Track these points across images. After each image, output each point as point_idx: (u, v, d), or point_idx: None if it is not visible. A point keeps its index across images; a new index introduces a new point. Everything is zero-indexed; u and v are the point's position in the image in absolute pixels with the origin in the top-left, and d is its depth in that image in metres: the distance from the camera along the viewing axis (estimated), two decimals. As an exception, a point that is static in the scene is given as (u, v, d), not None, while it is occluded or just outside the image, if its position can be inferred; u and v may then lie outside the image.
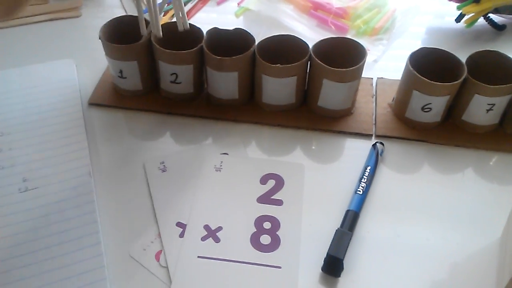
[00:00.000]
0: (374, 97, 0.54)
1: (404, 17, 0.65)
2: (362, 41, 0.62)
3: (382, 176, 0.47)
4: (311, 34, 0.64)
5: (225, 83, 0.50)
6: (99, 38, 0.50)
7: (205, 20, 0.67)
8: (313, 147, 0.50)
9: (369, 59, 0.60)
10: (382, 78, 0.56)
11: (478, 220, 0.43)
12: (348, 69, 0.46)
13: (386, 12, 0.65)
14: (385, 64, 0.60)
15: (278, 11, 0.67)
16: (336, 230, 0.40)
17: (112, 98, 0.54)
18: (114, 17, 0.52)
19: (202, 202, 0.44)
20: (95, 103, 0.54)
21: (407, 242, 0.42)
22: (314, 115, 0.52)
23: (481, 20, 0.63)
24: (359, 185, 0.44)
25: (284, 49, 0.51)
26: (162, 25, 0.51)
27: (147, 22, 0.50)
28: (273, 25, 0.66)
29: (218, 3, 0.70)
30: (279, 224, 0.43)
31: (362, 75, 0.54)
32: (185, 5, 0.68)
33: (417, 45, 0.63)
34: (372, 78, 0.56)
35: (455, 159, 0.48)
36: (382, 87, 0.55)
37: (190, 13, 0.68)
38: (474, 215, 0.44)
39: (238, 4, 0.69)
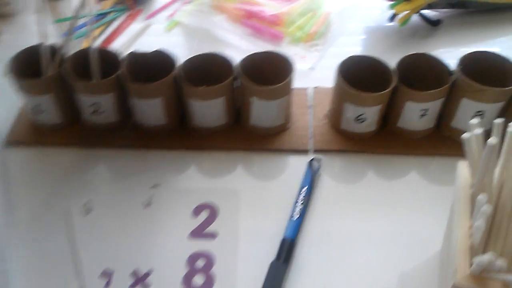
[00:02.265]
0: (311, 108, 0.52)
1: (340, 19, 0.64)
2: (297, 48, 0.60)
3: (321, 194, 0.45)
4: (245, 45, 0.61)
5: (150, 109, 0.47)
6: (7, 74, 0.46)
7: (133, 38, 0.63)
8: (249, 169, 0.47)
9: (305, 66, 0.58)
10: (318, 87, 0.54)
11: (422, 230, 0.42)
12: (275, 86, 0.44)
13: (320, 16, 0.63)
14: (322, 71, 0.58)
15: (210, 22, 0.64)
16: (271, 263, 0.38)
17: (32, 135, 0.50)
18: (25, 47, 0.48)
19: (130, 245, 0.41)
20: (12, 141, 0.49)
21: (350, 263, 0.40)
22: (248, 134, 0.49)
23: (417, 17, 0.62)
24: (294, 209, 0.42)
25: (210, 67, 0.48)
26: (76, 52, 0.48)
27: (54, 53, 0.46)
28: (206, 38, 0.63)
29: (148, 18, 0.66)
30: (214, 260, 0.40)
31: (298, 86, 0.52)
32: (111, 23, 0.65)
33: (353, 48, 0.61)
34: (307, 88, 0.54)
35: (394, 167, 0.47)
36: (319, 97, 0.53)
37: (117, 31, 0.64)
38: (418, 223, 0.42)
39: (169, 17, 0.66)
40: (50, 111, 0.48)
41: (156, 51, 0.48)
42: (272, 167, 0.47)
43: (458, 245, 0.28)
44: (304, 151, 0.48)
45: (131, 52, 0.48)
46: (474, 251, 0.29)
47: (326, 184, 0.45)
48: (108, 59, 0.48)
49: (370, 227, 0.42)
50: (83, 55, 0.47)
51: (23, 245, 0.41)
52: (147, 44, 0.63)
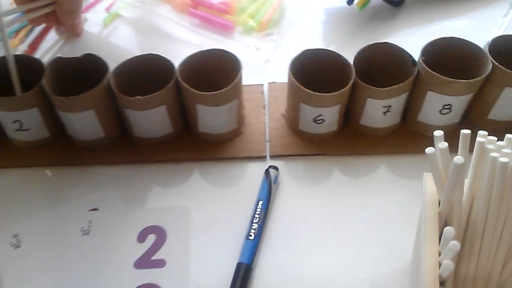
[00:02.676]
0: (266, 108, 0.47)
1: (294, 5, 0.58)
2: (251, 38, 0.55)
3: (281, 205, 0.41)
4: (193, 38, 0.55)
5: (82, 123, 0.41)
6: None
7: (66, 36, 0.56)
8: (200, 181, 0.42)
9: (259, 60, 0.53)
10: (274, 82, 0.49)
11: (390, 237, 0.38)
12: (220, 91, 0.39)
13: (272, 2, 0.57)
14: (278, 64, 0.52)
15: (153, 14, 0.58)
16: (223, 295, 0.34)
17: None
18: None
19: (68, 279, 0.36)
20: None
21: (315, 281, 0.36)
22: (198, 143, 0.44)
23: (377, -3, 0.58)
24: (250, 228, 0.38)
25: (149, 71, 0.42)
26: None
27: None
28: (149, 31, 0.57)
29: (83, 11, 0.59)
30: (162, 292, 0.36)
31: (252, 82, 0.47)
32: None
33: (311, 36, 0.56)
34: (262, 85, 0.49)
35: (360, 169, 0.43)
36: (274, 94, 0.48)
37: (47, 30, 0.57)
38: (386, 231, 0.39)
39: (106, 10, 0.59)
40: (-33, 130, 0.42)
41: (85, 55, 0.42)
42: (226, 177, 0.43)
43: (426, 277, 0.25)
44: (260, 158, 0.44)
45: (56, 58, 0.41)
46: (443, 279, 0.26)
47: (287, 193, 0.41)
48: (31, 67, 0.41)
49: (337, 235, 0.39)
50: (1, 64, 0.41)
51: None
52: (83, 43, 0.56)
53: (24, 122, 0.41)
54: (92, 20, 0.58)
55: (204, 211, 0.40)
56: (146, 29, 0.57)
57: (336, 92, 0.39)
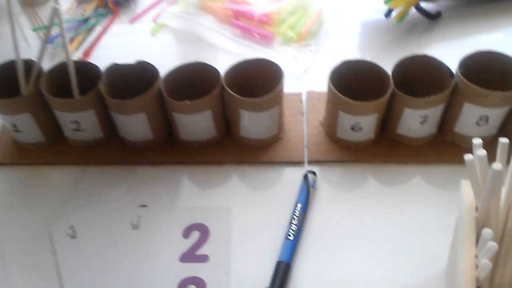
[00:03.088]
0: (304, 116, 0.49)
1: (333, 17, 0.60)
2: (290, 48, 0.57)
3: (318, 209, 0.42)
4: (234, 47, 0.58)
5: (134, 125, 0.45)
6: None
7: (117, 43, 0.61)
8: (241, 184, 0.45)
9: (297, 69, 0.55)
10: (312, 91, 0.51)
11: (425, 243, 0.40)
12: (263, 98, 0.41)
13: (312, 14, 0.59)
14: (316, 73, 0.55)
15: (197, 25, 0.61)
16: (264, 290, 0.36)
17: (13, 155, 0.48)
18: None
19: (119, 270, 0.39)
20: (-6, 162, 0.47)
21: (351, 283, 0.38)
22: (239, 147, 0.47)
23: (414, 10, 0.59)
24: (289, 229, 0.39)
25: (196, 77, 0.45)
26: (54, 67, 0.45)
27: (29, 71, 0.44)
28: (193, 41, 0.60)
29: (131, 21, 0.63)
30: (205, 286, 0.38)
31: (291, 90, 0.49)
32: (93, 28, 0.62)
33: (349, 47, 0.58)
34: (301, 93, 0.51)
35: (395, 177, 0.44)
36: (313, 103, 0.50)
37: (100, 36, 0.61)
38: (421, 238, 0.40)
39: (154, 20, 0.63)
40: (28, 130, 0.46)
41: (138, 62, 0.45)
42: (265, 181, 0.45)
43: (463, 277, 0.26)
44: (298, 163, 0.45)
45: (112, 64, 0.45)
46: (480, 283, 0.27)
47: (323, 198, 0.43)
48: (88, 71, 0.45)
49: (372, 239, 0.40)
50: (61, 69, 0.45)
51: (9, 270, 0.39)
52: (132, 50, 0.60)
53: (81, 123, 0.45)
54: (141, 30, 0.62)
55: (244, 211, 0.43)
56: (190, 39, 0.60)
57: (375, 101, 0.40)
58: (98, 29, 0.62)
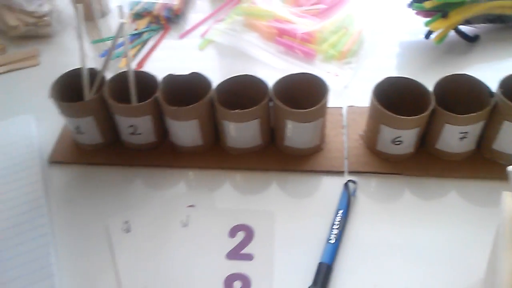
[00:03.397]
0: (345, 129, 0.52)
1: (373, 37, 0.63)
2: (331, 66, 0.60)
3: (357, 217, 0.44)
4: (277, 63, 0.61)
5: (185, 131, 0.48)
6: (50, 97, 0.48)
7: (167, 56, 0.65)
8: (284, 190, 0.47)
9: (338, 85, 0.58)
10: (352, 106, 0.54)
11: (461, 256, 0.41)
12: (309, 110, 0.44)
13: (353, 34, 0.62)
14: (356, 90, 0.57)
15: (243, 41, 0.65)
16: (307, 289, 0.38)
17: (73, 154, 0.52)
18: (65, 71, 0.50)
19: (169, 264, 0.42)
20: (55, 161, 0.51)
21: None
22: (282, 155, 0.49)
23: (453, 32, 0.61)
24: (331, 233, 0.42)
25: (244, 88, 0.49)
26: (115, 76, 0.49)
27: (93, 79, 0.48)
28: (239, 56, 0.64)
29: (181, 37, 0.68)
30: (250, 282, 0.40)
31: (331, 104, 0.52)
32: (145, 42, 0.67)
33: (387, 66, 0.61)
34: (341, 108, 0.54)
35: (433, 190, 0.46)
36: (353, 117, 0.53)
37: (152, 50, 0.66)
38: (457, 250, 0.41)
39: (202, 36, 0.67)
40: (90, 132, 0.50)
41: (192, 73, 0.49)
42: (306, 188, 0.47)
43: (504, 286, 0.28)
44: (339, 173, 0.48)
45: (168, 75, 0.49)
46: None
47: (362, 207, 0.45)
48: (145, 80, 0.49)
49: (408, 251, 0.42)
50: (121, 78, 0.49)
51: (66, 260, 0.43)
52: (181, 63, 0.64)
53: (138, 127, 0.48)
54: (189, 44, 0.66)
55: (286, 216, 0.45)
56: (235, 54, 0.64)
57: (417, 116, 0.43)
58: (150, 43, 0.67)
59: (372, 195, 0.46)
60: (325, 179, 0.48)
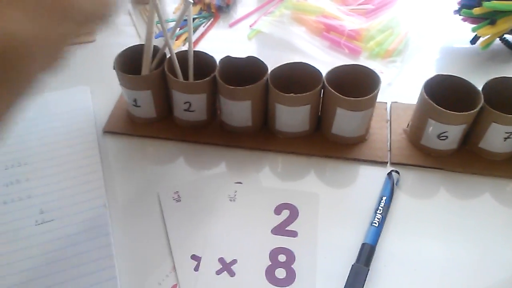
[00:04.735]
0: (389, 122, 0.53)
1: (417, 38, 0.65)
2: (375, 63, 0.62)
3: (398, 206, 0.46)
4: (323, 57, 0.64)
5: (238, 111, 0.50)
6: (113, 68, 0.51)
7: (217, 43, 0.67)
8: (327, 175, 0.49)
9: (383, 82, 0.59)
10: (396, 102, 0.56)
11: (495, 251, 0.42)
12: (362, 98, 0.46)
13: (399, 34, 0.64)
14: (399, 87, 0.59)
15: (290, 33, 0.67)
16: (352, 265, 0.40)
17: (127, 126, 0.54)
18: (129, 46, 0.53)
19: (217, 234, 0.44)
20: (110, 131, 0.54)
21: (423, 276, 0.41)
22: (328, 142, 0.51)
23: (497, 40, 0.63)
24: (374, 216, 0.43)
25: (297, 76, 0.51)
26: (176, 53, 0.52)
27: (155, 53, 0.51)
28: (285, 48, 0.66)
29: (230, 26, 0.70)
30: (294, 257, 0.42)
31: (377, 100, 0.53)
32: (196, 28, 0.69)
33: (431, 67, 0.62)
34: (386, 103, 0.56)
35: (472, 187, 0.47)
36: (397, 112, 0.54)
37: (202, 36, 0.68)
38: (492, 245, 0.43)
39: (250, 26, 0.70)
40: (146, 106, 0.52)
41: (249, 57, 0.51)
42: (349, 175, 0.49)
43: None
44: (382, 163, 0.49)
45: (226, 56, 0.51)
46: None
47: (402, 198, 0.47)
48: (202, 60, 0.51)
49: (443, 244, 0.43)
50: (179, 56, 0.51)
51: (120, 224, 0.45)
52: (230, 51, 0.66)
53: (193, 104, 0.51)
54: (238, 33, 0.69)
55: (329, 199, 0.47)
56: (282, 45, 0.66)
57: (466, 113, 0.44)
58: (201, 29, 0.69)
59: (412, 188, 0.48)
60: (368, 169, 0.50)
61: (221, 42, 0.68)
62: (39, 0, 0.29)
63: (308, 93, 0.47)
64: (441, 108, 0.45)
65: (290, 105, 0.48)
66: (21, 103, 0.30)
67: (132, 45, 0.53)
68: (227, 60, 0.51)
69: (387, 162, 0.49)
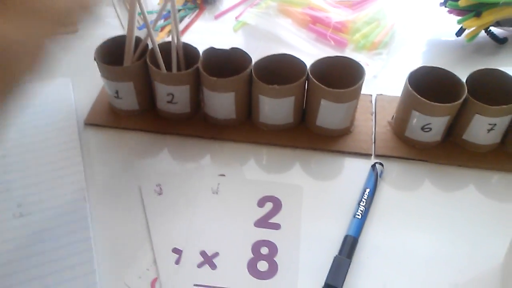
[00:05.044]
0: (374, 114, 0.53)
1: (404, 30, 0.65)
2: (361, 55, 0.62)
3: (382, 198, 0.46)
4: (309, 49, 0.63)
5: (221, 103, 0.50)
6: (94, 59, 0.50)
7: (202, 35, 0.67)
8: (311, 167, 0.49)
9: (368, 74, 0.59)
10: (381, 94, 0.55)
11: (480, 242, 0.43)
12: (346, 90, 0.45)
13: (385, 26, 0.64)
14: (384, 80, 0.59)
15: (276, 25, 0.66)
16: (334, 257, 0.40)
17: (108, 118, 0.53)
18: (110, 37, 0.52)
19: (199, 227, 0.43)
20: (91, 123, 0.53)
21: (407, 267, 0.41)
22: (312, 134, 0.51)
23: (482, 33, 0.62)
24: (358, 208, 0.43)
25: (281, 67, 0.50)
26: (158, 44, 0.51)
27: (138, 44, 0.50)
28: (271, 40, 0.65)
29: (216, 17, 0.69)
30: (277, 249, 0.42)
31: (361, 92, 0.53)
32: (181, 20, 0.68)
33: (417, 59, 0.62)
34: (371, 95, 0.55)
35: (456, 179, 0.47)
36: (382, 104, 0.54)
37: (187, 28, 0.67)
38: (476, 236, 0.43)
39: (236, 18, 0.69)
40: (127, 98, 0.52)
41: (232, 48, 0.50)
42: (334, 168, 0.49)
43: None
44: (366, 155, 0.49)
45: (209, 48, 0.50)
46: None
47: (386, 190, 0.47)
48: (186, 52, 0.51)
49: (427, 236, 0.43)
50: (162, 47, 0.50)
51: (100, 217, 0.44)
52: (215, 43, 0.66)
53: (175, 96, 0.50)
54: (223, 25, 0.68)
55: (312, 192, 0.46)
56: (268, 37, 0.65)
57: (449, 104, 0.44)
58: (185, 21, 0.68)
59: (396, 180, 0.48)
60: (352, 161, 0.49)
61: (206, 34, 0.67)
62: (16, 5, 0.32)
63: (291, 84, 0.47)
64: (425, 100, 0.44)
65: (274, 96, 0.48)
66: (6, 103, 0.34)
67: (113, 36, 0.52)
68: (211, 52, 0.50)
69: (371, 154, 0.49)
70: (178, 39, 0.50)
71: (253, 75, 0.48)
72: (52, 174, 0.47)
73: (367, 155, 0.49)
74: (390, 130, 0.51)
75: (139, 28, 0.66)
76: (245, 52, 0.50)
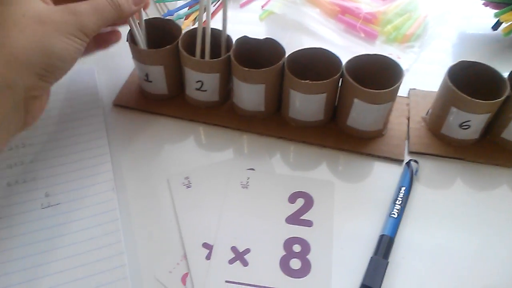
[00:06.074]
0: (408, 118, 0.51)
1: (436, 23, 0.63)
2: (392, 48, 0.60)
3: (417, 196, 0.44)
4: (338, 40, 0.61)
5: (251, 94, 0.48)
6: (126, 40, 0.48)
7: (228, 24, 0.65)
8: (340, 168, 0.47)
9: (400, 68, 0.57)
10: (414, 89, 0.54)
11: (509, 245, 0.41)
12: (382, 91, 0.43)
13: (417, 18, 0.62)
14: (417, 73, 0.57)
15: (303, 15, 0.64)
16: (371, 258, 0.38)
17: (137, 101, 0.52)
18: (144, 19, 0.50)
19: (229, 222, 0.42)
20: (119, 104, 0.52)
21: (444, 268, 0.40)
22: (342, 134, 0.49)
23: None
24: (393, 207, 0.42)
25: (315, 62, 0.48)
26: (188, 31, 0.49)
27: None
28: (298, 30, 0.64)
29: (241, 6, 0.68)
30: (309, 247, 0.41)
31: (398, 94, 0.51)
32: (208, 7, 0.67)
33: (450, 53, 0.60)
34: (408, 97, 0.53)
35: (493, 178, 0.46)
36: (415, 99, 0.52)
37: (212, 16, 0.66)
38: (508, 239, 0.42)
39: (262, 7, 0.67)
40: (157, 81, 0.50)
41: (266, 38, 0.49)
42: (362, 170, 0.47)
43: None
44: (397, 160, 0.47)
45: (242, 36, 0.49)
46: None
47: (420, 188, 0.45)
48: (217, 40, 0.49)
49: (463, 236, 0.42)
50: (194, 34, 0.49)
51: (128, 209, 0.44)
52: (241, 32, 0.64)
53: (205, 83, 0.49)
54: (249, 14, 0.66)
55: (343, 191, 0.45)
56: (295, 27, 0.64)
57: (490, 101, 0.42)
58: (211, 9, 0.66)
59: (432, 178, 0.46)
60: (382, 165, 0.47)
61: (231, 24, 0.64)
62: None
63: (324, 81, 0.45)
64: (466, 96, 0.43)
65: (306, 92, 0.46)
66: None
67: (148, 18, 0.51)
68: (244, 41, 0.49)
69: (403, 160, 0.47)
70: (208, 25, 0.48)
71: (286, 68, 0.46)
72: (79, 164, 0.46)
73: (398, 161, 0.47)
74: (424, 126, 0.49)
75: (164, 15, 0.64)
76: (279, 44, 0.48)
